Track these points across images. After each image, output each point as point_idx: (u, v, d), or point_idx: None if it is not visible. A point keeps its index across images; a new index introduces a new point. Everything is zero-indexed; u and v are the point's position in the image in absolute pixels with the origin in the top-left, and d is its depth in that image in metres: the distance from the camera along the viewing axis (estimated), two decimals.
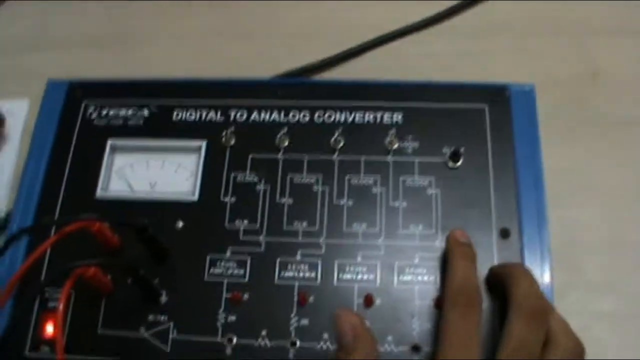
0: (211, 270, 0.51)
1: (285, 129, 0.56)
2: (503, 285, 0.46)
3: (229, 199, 0.53)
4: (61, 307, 0.44)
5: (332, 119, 0.56)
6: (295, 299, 0.50)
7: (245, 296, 0.50)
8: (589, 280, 0.53)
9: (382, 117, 0.56)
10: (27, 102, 0.65)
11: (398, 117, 0.55)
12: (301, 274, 0.51)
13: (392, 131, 0.55)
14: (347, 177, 0.53)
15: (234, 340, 0.49)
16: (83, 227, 0.48)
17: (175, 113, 0.57)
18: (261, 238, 0.52)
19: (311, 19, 0.67)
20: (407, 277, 0.50)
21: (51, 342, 0.50)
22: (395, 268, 0.50)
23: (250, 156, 0.55)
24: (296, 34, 0.66)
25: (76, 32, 0.69)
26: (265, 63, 0.63)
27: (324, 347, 0.48)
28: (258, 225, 0.52)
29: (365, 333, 0.42)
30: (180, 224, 0.53)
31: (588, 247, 0.54)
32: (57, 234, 0.48)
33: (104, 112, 0.58)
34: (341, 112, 0.56)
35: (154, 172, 0.56)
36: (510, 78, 0.57)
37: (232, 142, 0.55)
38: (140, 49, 0.67)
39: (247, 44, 0.66)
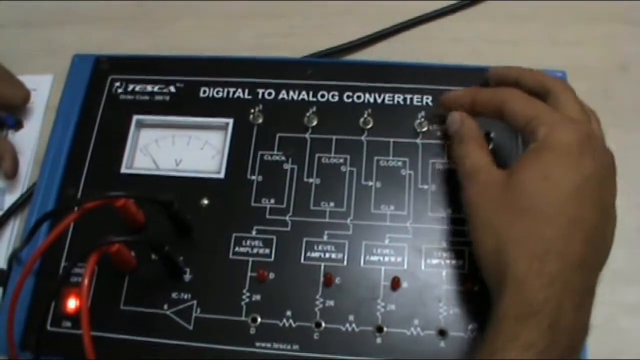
0: (236, 248, 0.51)
1: (313, 109, 0.55)
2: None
3: (255, 178, 0.53)
4: (86, 281, 0.43)
5: (362, 99, 0.55)
6: (321, 279, 0.49)
7: (271, 275, 0.50)
8: (615, 271, 0.53)
9: (411, 99, 0.55)
10: (51, 77, 0.65)
11: (428, 99, 0.55)
12: (327, 255, 0.50)
13: (422, 113, 0.54)
14: (375, 158, 0.53)
15: (258, 320, 0.48)
16: (106, 203, 0.48)
17: (202, 90, 0.57)
18: (288, 217, 0.51)
19: (343, 1, 0.66)
20: (435, 261, 0.49)
21: (73, 317, 0.50)
22: (422, 251, 0.50)
23: (277, 135, 0.54)
24: (328, 15, 0.65)
25: (103, 9, 0.68)
26: (296, 43, 0.62)
27: (350, 328, 0.48)
28: (285, 204, 0.52)
29: (469, 119, 0.49)
30: (206, 201, 0.52)
31: (615, 237, 0.53)
32: (78, 210, 0.47)
33: (130, 88, 0.58)
34: (370, 93, 0.55)
35: (179, 149, 0.55)
36: (538, 66, 0.56)
37: (260, 120, 0.55)
38: (168, 27, 0.66)
39: (278, 24, 0.65)
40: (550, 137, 0.42)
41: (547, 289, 0.38)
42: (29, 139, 0.62)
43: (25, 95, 0.62)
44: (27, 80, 0.63)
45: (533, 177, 0.42)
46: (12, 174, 0.59)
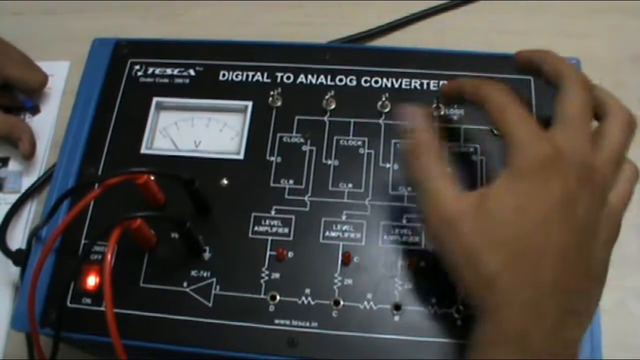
0: (255, 227, 0.51)
1: (332, 92, 0.56)
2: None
3: (274, 159, 0.53)
4: (109, 256, 0.43)
5: (379, 84, 0.56)
6: (340, 258, 0.50)
7: (290, 254, 0.50)
8: (625, 256, 0.53)
9: (428, 84, 0.56)
10: (68, 63, 0.66)
11: (444, 84, 0.55)
12: (346, 234, 0.51)
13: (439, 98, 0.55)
14: (393, 141, 0.54)
15: (277, 297, 0.49)
16: (128, 179, 0.48)
17: (221, 73, 0.57)
18: (306, 198, 0.52)
19: None
20: None
21: (93, 294, 0.50)
22: None
23: (296, 117, 0.55)
24: (344, 5, 0.66)
25: None
26: (313, 32, 0.63)
27: (367, 306, 0.48)
28: (303, 185, 0.52)
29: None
30: (225, 181, 0.53)
31: (626, 223, 0.54)
32: (100, 187, 0.47)
33: (150, 71, 0.58)
34: (388, 77, 0.56)
35: (199, 131, 0.56)
36: None
37: (279, 103, 0.56)
38: (184, 15, 0.67)
39: (295, 13, 0.66)
40: (516, 163, 0.41)
41: (518, 318, 0.40)
42: (46, 124, 0.63)
43: (43, 79, 0.63)
44: (45, 66, 0.64)
45: (504, 208, 0.41)
46: (29, 155, 0.60)
